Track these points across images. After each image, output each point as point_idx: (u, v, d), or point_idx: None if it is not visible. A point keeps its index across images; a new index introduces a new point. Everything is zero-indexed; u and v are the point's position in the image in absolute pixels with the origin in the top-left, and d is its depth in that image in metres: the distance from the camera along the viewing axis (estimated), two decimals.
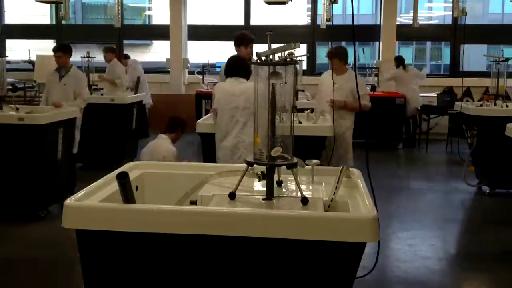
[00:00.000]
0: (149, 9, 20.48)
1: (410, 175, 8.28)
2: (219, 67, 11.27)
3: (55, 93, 6.27)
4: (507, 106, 6.56)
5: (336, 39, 13.77)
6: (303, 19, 15.55)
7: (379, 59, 11.21)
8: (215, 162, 4.53)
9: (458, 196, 6.69)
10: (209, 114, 5.11)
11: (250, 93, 4.36)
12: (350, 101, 5.64)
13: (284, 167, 2.37)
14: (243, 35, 5.49)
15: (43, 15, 16.62)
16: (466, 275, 4.45)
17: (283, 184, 2.59)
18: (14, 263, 4.39)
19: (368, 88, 5.95)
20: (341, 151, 5.65)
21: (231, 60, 4.69)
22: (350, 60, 6.15)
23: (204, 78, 10.43)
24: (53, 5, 11.52)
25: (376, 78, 10.82)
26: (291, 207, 2.30)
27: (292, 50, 2.32)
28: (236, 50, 5.37)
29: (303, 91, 7.39)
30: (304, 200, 2.28)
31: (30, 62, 11.63)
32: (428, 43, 22.03)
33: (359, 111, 5.71)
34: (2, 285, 3.98)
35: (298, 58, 7.51)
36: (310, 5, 12.12)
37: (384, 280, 4.14)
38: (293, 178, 2.42)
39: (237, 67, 4.55)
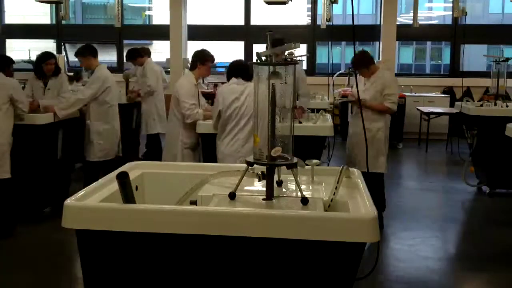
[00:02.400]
0: (149, 9, 20.47)
1: (410, 175, 8.28)
2: (219, 67, 11.30)
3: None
4: (507, 106, 6.56)
5: (336, 39, 13.79)
6: (303, 19, 15.54)
7: (379, 59, 11.21)
8: (215, 162, 4.56)
9: (458, 196, 6.69)
10: None
11: (251, 94, 4.45)
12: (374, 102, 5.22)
13: (284, 167, 2.37)
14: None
15: (43, 15, 16.62)
16: (466, 275, 4.45)
17: (283, 184, 2.59)
18: (14, 263, 4.39)
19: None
20: (371, 154, 4.98)
21: (232, 63, 4.78)
22: (349, 59, 6.02)
23: (204, 78, 10.41)
24: (53, 5, 11.54)
25: None
26: (291, 207, 2.30)
27: (292, 50, 2.32)
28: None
29: None
30: (304, 200, 2.28)
31: (30, 62, 11.63)
32: (428, 43, 22.01)
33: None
34: (2, 285, 3.98)
35: (298, 58, 7.51)
36: (310, 5, 12.12)
37: (384, 280, 4.14)
38: (293, 178, 2.42)
39: (237, 69, 4.62)
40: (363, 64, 5.18)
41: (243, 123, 4.51)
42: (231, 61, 4.80)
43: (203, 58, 5.13)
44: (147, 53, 7.92)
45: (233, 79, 4.60)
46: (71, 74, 9.18)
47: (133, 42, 12.97)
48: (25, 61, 11.74)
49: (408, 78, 11.94)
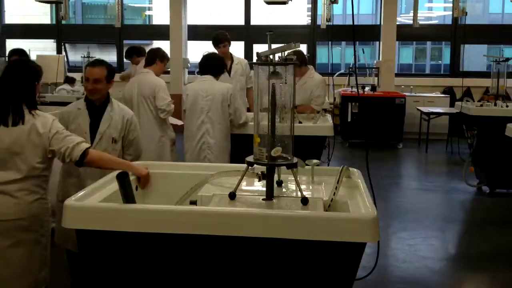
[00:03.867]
0: (149, 9, 20.49)
1: (410, 175, 8.28)
2: None
3: None
4: (507, 106, 6.55)
5: (336, 39, 13.80)
6: (303, 19, 15.55)
7: (379, 59, 11.21)
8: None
9: (458, 196, 6.69)
10: None
11: (217, 94, 4.48)
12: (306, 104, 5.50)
13: (284, 167, 2.37)
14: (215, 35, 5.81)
15: (43, 15, 16.64)
16: (466, 275, 4.45)
17: (283, 184, 2.59)
18: None
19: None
20: None
21: (203, 58, 4.77)
22: (349, 59, 6.13)
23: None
24: (53, 5, 11.54)
25: (376, 78, 10.83)
26: (291, 207, 2.30)
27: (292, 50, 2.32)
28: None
29: None
30: (304, 200, 2.28)
31: None
32: (428, 43, 22.01)
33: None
34: None
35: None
36: (310, 5, 12.12)
37: (384, 280, 4.13)
38: (293, 178, 2.42)
39: (207, 65, 4.63)
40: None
41: (207, 125, 4.53)
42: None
43: (162, 56, 5.06)
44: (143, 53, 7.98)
45: (202, 76, 4.62)
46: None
47: (133, 42, 12.99)
48: None
49: (408, 78, 11.94)
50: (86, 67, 3.52)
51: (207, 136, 4.51)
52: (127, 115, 3.52)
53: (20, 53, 6.13)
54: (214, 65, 4.63)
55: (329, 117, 5.40)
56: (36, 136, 2.73)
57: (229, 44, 5.88)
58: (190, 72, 11.76)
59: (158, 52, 5.06)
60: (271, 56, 2.29)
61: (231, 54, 5.98)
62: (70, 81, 8.94)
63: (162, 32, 11.74)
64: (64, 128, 2.87)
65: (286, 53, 2.29)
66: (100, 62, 3.53)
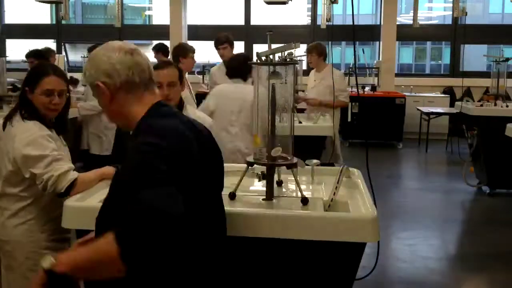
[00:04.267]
0: (149, 9, 20.49)
1: (410, 175, 8.28)
2: None
3: None
4: (507, 106, 6.56)
5: (336, 39, 13.80)
6: (303, 19, 15.55)
7: (379, 59, 11.21)
8: None
9: (458, 196, 6.69)
10: None
11: (246, 98, 4.36)
12: (327, 99, 5.59)
13: (284, 167, 2.37)
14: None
15: (43, 15, 16.63)
16: (466, 275, 4.45)
17: (283, 184, 2.59)
18: None
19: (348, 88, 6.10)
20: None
21: (233, 60, 4.63)
22: (349, 59, 6.27)
23: (204, 78, 10.42)
24: (53, 5, 11.54)
25: (376, 78, 10.83)
26: (291, 207, 2.30)
27: (292, 50, 2.32)
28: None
29: (303, 91, 7.38)
30: (304, 200, 2.28)
31: None
32: (428, 43, 22.02)
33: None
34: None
35: (298, 58, 7.51)
36: (310, 5, 12.12)
37: (384, 280, 4.14)
38: (293, 178, 2.42)
39: (237, 68, 4.47)
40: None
41: (236, 128, 4.23)
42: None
43: (184, 52, 5.02)
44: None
45: (232, 79, 4.45)
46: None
47: (133, 42, 13.01)
48: (25, 61, 11.72)
49: (408, 78, 11.94)
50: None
51: (236, 140, 4.25)
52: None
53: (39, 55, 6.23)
54: (242, 69, 4.33)
55: (329, 117, 5.40)
56: (11, 148, 2.39)
57: (231, 46, 5.68)
58: (190, 72, 11.73)
59: (178, 49, 5.12)
60: (271, 56, 2.29)
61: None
62: (72, 82, 8.90)
63: (162, 32, 11.73)
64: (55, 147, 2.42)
65: (286, 53, 2.29)
66: (168, 63, 3.04)
